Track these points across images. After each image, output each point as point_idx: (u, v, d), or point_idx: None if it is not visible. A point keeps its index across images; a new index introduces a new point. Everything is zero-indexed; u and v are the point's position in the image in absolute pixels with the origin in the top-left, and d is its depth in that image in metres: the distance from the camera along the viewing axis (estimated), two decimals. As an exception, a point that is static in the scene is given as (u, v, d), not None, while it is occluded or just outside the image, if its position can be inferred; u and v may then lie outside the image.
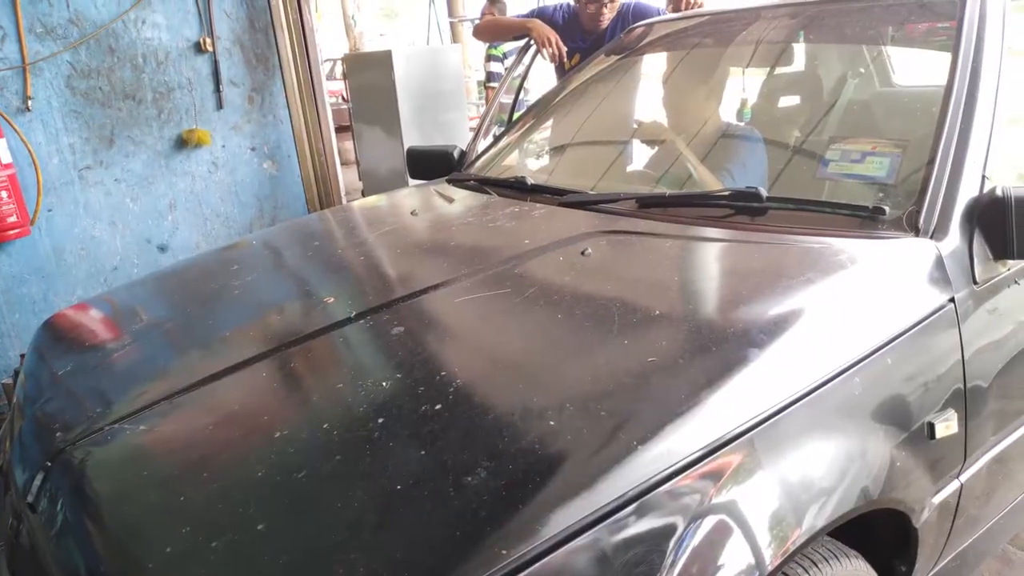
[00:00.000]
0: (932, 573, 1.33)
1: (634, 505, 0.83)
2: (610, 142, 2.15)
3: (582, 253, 1.37)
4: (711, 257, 1.37)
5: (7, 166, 2.88)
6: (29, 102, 2.98)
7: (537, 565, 0.77)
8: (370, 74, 4.42)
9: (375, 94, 4.41)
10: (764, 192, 1.40)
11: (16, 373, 2.95)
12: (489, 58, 5.17)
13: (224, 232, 3.60)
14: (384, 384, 1.05)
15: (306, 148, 3.71)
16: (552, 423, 0.91)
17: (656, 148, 2.05)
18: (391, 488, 0.84)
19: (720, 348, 1.01)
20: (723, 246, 1.38)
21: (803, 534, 0.95)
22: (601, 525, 0.81)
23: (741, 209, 1.43)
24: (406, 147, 2.50)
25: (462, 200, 1.96)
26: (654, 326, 1.11)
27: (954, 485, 1.24)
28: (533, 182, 1.83)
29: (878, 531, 1.20)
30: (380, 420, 0.96)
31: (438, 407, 0.97)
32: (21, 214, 2.95)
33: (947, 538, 1.29)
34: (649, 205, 1.57)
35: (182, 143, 3.39)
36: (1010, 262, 1.30)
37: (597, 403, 0.94)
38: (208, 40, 3.35)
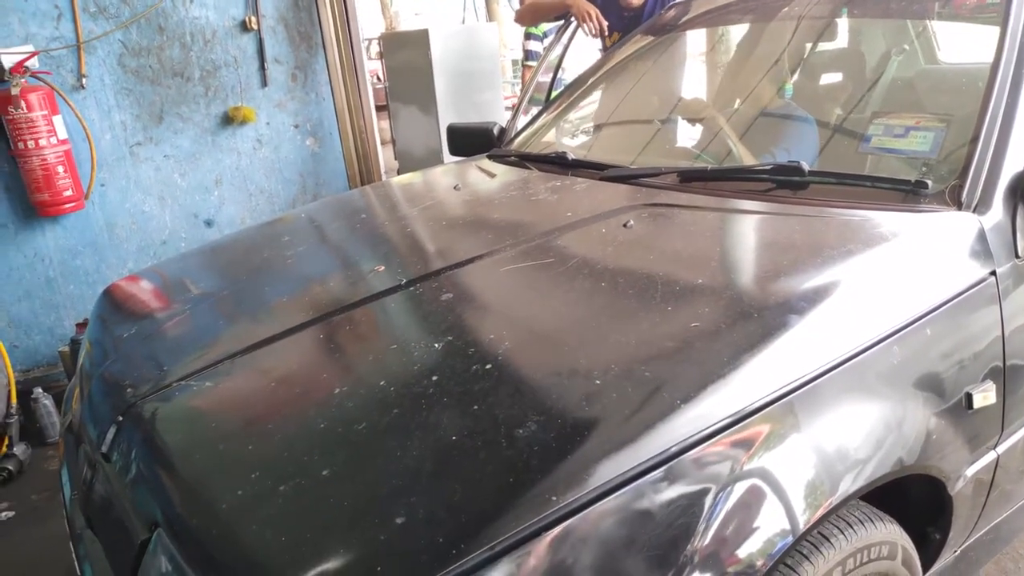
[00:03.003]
0: (966, 544, 1.35)
1: (675, 461, 0.87)
2: (650, 119, 2.16)
3: (624, 225, 1.40)
4: (752, 229, 1.39)
5: (63, 142, 2.98)
6: (83, 80, 3.08)
7: (584, 512, 0.81)
8: (406, 53, 4.44)
9: (411, 73, 4.43)
10: (806, 166, 1.42)
11: (72, 341, 3.08)
12: (528, 36, 5.14)
13: (268, 208, 3.69)
14: (436, 345, 1.10)
15: (347, 125, 3.76)
16: (598, 382, 0.95)
17: (697, 125, 2.06)
18: (447, 439, 0.89)
19: (761, 314, 1.04)
20: (764, 219, 1.39)
21: (838, 496, 0.98)
22: (645, 478, 0.85)
23: (782, 183, 1.45)
24: (443, 126, 2.53)
25: (503, 175, 2.00)
26: (697, 294, 1.14)
27: (990, 456, 1.26)
28: (574, 157, 1.86)
29: (913, 498, 1.22)
30: (434, 378, 1.01)
31: (488, 366, 1.01)
32: (76, 189, 3.05)
33: (982, 510, 1.31)
34: (691, 179, 1.59)
35: (228, 120, 3.47)
36: (1054, 237, 1.30)
37: (641, 365, 0.98)
38: (253, 18, 3.41)
